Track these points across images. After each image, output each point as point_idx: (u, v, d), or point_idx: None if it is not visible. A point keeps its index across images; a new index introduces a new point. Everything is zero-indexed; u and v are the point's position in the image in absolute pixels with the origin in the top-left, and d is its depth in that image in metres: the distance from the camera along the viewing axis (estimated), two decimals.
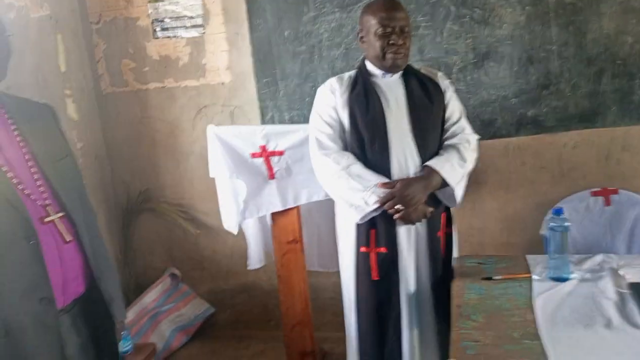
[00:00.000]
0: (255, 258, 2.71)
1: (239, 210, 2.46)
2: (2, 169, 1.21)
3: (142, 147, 3.20)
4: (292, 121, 2.99)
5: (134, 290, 3.22)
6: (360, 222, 1.92)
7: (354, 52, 2.85)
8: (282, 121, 3.01)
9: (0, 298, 1.20)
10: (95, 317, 1.41)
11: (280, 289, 2.61)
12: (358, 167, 1.90)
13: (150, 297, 3.09)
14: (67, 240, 1.29)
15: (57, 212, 1.29)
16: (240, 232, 2.61)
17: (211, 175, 2.47)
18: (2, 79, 1.27)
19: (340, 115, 1.98)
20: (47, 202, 1.28)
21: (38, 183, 1.28)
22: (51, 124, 1.42)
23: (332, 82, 2.03)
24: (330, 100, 1.99)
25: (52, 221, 1.27)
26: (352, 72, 2.06)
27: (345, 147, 1.99)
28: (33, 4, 2.73)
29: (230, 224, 2.52)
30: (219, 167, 2.42)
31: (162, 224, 3.26)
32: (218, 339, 3.19)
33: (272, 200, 2.46)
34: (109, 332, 1.45)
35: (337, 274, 2.26)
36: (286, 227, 2.54)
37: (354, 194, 1.87)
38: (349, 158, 1.92)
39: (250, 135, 2.41)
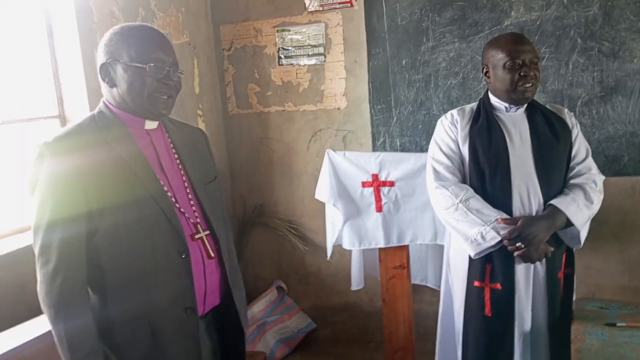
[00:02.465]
0: (357, 279, 2.77)
1: (334, 237, 2.52)
2: (164, 188, 1.38)
3: (260, 165, 3.41)
4: (403, 147, 3.04)
5: None
6: (475, 257, 1.92)
7: (472, 81, 2.86)
8: (393, 147, 3.07)
9: (151, 303, 1.36)
10: (226, 325, 1.54)
11: (384, 313, 2.64)
12: (477, 201, 1.90)
13: (258, 307, 3.26)
14: (211, 256, 1.44)
15: (205, 230, 1.44)
16: (344, 252, 2.68)
17: (316, 197, 2.56)
18: (168, 114, 1.45)
19: (460, 148, 1.99)
20: (197, 220, 1.43)
21: (191, 203, 1.44)
22: (204, 148, 1.59)
23: (454, 113, 2.05)
24: (451, 132, 2.02)
25: (200, 238, 1.42)
26: (474, 104, 2.07)
27: (464, 180, 2.00)
28: (176, 32, 3.04)
29: (327, 248, 2.60)
30: (323, 191, 2.49)
31: (273, 238, 3.44)
32: (318, 355, 3.27)
33: (376, 235, 2.48)
34: (238, 340, 1.58)
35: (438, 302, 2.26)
36: (394, 251, 2.57)
37: (471, 228, 1.87)
38: (467, 191, 1.93)
39: (365, 161, 2.47)
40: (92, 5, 2.48)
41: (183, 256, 1.36)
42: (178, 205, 1.40)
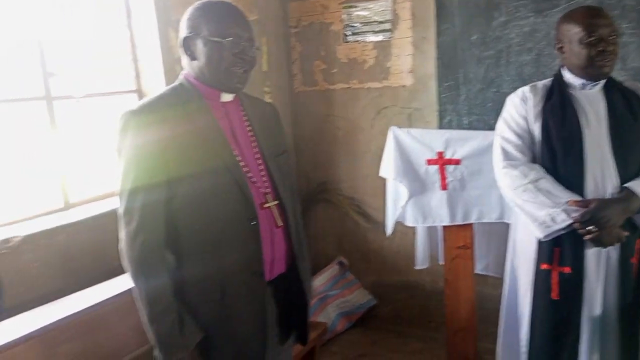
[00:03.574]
0: (422, 258, 2.76)
1: (395, 214, 2.52)
2: (237, 158, 1.45)
3: (324, 143, 3.45)
4: (471, 126, 2.97)
5: None
6: (543, 240, 1.87)
7: (546, 58, 2.74)
8: (460, 125, 3.01)
9: (222, 266, 1.43)
10: (290, 293, 1.60)
11: (446, 292, 2.63)
12: (548, 182, 1.84)
13: (320, 281, 3.33)
14: (279, 225, 1.49)
15: (273, 200, 1.49)
16: (406, 231, 2.66)
17: (380, 174, 2.56)
18: (243, 88, 1.50)
19: (531, 126, 1.93)
20: (267, 190, 1.49)
21: (262, 173, 1.49)
22: (275, 122, 1.64)
23: (525, 90, 1.98)
24: (522, 110, 1.95)
25: (269, 207, 1.48)
26: (547, 81, 1.99)
27: (534, 160, 1.94)
28: (246, 10, 3.04)
29: (387, 224, 2.60)
30: (388, 168, 2.49)
31: (335, 214, 3.49)
32: (378, 331, 3.32)
33: (440, 213, 2.46)
34: (301, 308, 1.64)
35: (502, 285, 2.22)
36: (457, 231, 2.54)
37: (540, 210, 1.82)
38: (538, 171, 1.87)
39: (431, 139, 2.45)
40: None
41: (253, 223, 1.42)
42: (250, 175, 1.46)
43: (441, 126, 3.07)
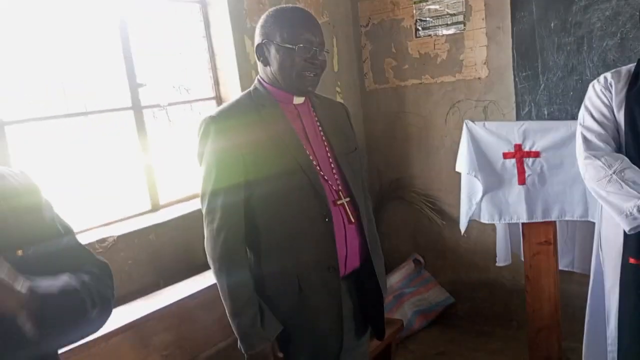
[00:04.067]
0: (503, 255, 2.69)
1: (470, 210, 2.45)
2: (310, 158, 1.50)
3: (397, 140, 3.44)
4: (551, 117, 2.85)
5: None
6: (630, 233, 1.77)
7: (631, 42, 2.58)
8: (540, 116, 2.89)
9: (298, 262, 1.49)
10: (366, 288, 1.63)
11: (527, 290, 2.55)
12: (633, 172, 1.74)
13: (395, 278, 3.33)
14: (352, 221, 1.53)
15: (345, 197, 1.53)
16: (484, 228, 2.59)
17: (456, 169, 2.52)
18: (314, 91, 1.56)
19: (615, 114, 1.83)
20: (339, 187, 1.53)
21: (334, 172, 1.54)
22: (345, 121, 1.68)
23: (608, 76, 1.88)
24: (605, 97, 1.86)
25: (342, 204, 1.52)
26: (631, 66, 1.88)
27: (619, 149, 1.84)
28: (316, 12, 3.16)
29: (461, 221, 2.54)
30: (462, 163, 2.44)
31: (409, 212, 3.46)
32: (457, 329, 3.26)
33: (518, 209, 2.38)
34: (377, 302, 1.66)
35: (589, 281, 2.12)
36: (538, 226, 2.45)
37: (626, 201, 1.72)
38: (622, 161, 1.77)
39: (507, 131, 2.38)
40: None
41: (326, 220, 1.47)
42: (322, 174, 1.51)
43: (519, 118, 2.97)
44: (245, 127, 1.46)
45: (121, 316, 1.89)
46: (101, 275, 1.07)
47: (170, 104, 2.59)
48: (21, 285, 0.84)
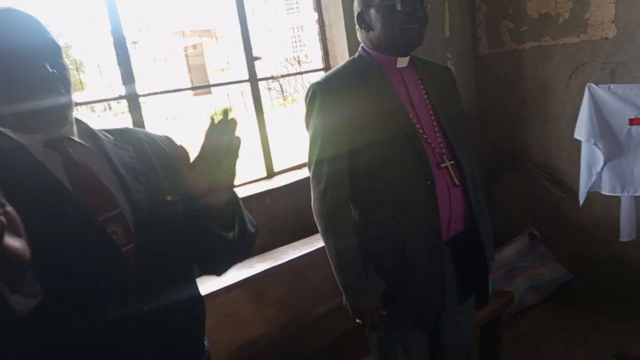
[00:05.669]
0: (627, 230, 2.51)
1: (590, 181, 2.29)
2: (413, 121, 1.52)
3: (512, 107, 3.29)
4: None
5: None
6: None
7: None
8: None
9: (402, 223, 1.53)
10: (470, 253, 1.63)
11: None
12: None
13: (508, 252, 3.22)
14: (456, 184, 1.53)
15: (450, 160, 1.53)
16: (608, 200, 2.41)
17: (575, 136, 2.37)
18: (420, 43, 1.56)
19: None
20: (443, 151, 1.54)
21: (437, 135, 1.55)
22: (450, 85, 1.67)
23: None
24: None
25: (445, 167, 1.53)
26: None
27: None
28: None
29: (580, 192, 2.38)
30: (582, 129, 2.29)
31: (525, 183, 3.31)
32: (574, 307, 3.10)
33: None
34: (480, 269, 1.65)
35: None
36: None
37: None
38: None
39: (636, 95, 2.20)
40: None
41: (428, 182, 1.49)
42: (425, 137, 1.52)
43: None
44: (349, 95, 1.51)
45: (240, 272, 2.07)
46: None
47: (283, 76, 2.72)
48: None
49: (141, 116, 2.18)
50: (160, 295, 0.98)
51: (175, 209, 1.04)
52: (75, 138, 1.01)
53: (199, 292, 1.15)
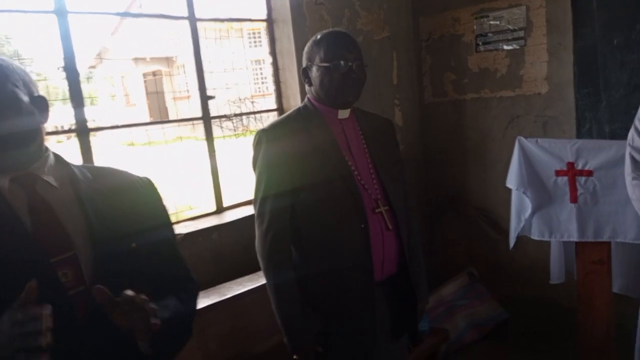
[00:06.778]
0: (557, 273, 2.65)
1: (519, 226, 2.44)
2: (352, 168, 1.63)
3: (454, 153, 3.48)
4: (612, 134, 2.80)
5: (432, 281, 3.55)
6: None
7: None
8: (601, 134, 2.85)
9: (336, 265, 1.61)
10: (402, 293, 1.72)
11: (579, 309, 2.51)
12: None
13: (448, 290, 3.34)
14: (389, 228, 1.63)
15: (384, 206, 1.64)
16: (541, 244, 2.57)
17: (507, 184, 2.52)
18: (355, 101, 1.68)
19: None
20: (378, 196, 1.64)
21: (374, 181, 1.65)
22: (389, 136, 1.79)
23: None
24: None
25: (380, 212, 1.63)
26: None
27: None
28: (377, 28, 3.28)
29: (510, 237, 2.53)
30: (512, 178, 2.44)
31: (465, 225, 3.49)
32: (511, 345, 3.23)
33: (569, 228, 2.36)
34: (410, 309, 1.74)
35: None
36: (592, 245, 2.41)
37: None
38: None
39: (560, 149, 2.36)
40: (306, 12, 2.86)
41: (363, 226, 1.59)
42: (362, 183, 1.63)
43: (580, 135, 2.93)
44: (293, 140, 1.61)
45: None
46: (194, 293, 1.20)
47: (236, 115, 2.80)
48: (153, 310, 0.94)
49: (90, 149, 2.21)
50: (104, 339, 0.97)
51: (138, 257, 1.06)
52: (45, 176, 1.02)
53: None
